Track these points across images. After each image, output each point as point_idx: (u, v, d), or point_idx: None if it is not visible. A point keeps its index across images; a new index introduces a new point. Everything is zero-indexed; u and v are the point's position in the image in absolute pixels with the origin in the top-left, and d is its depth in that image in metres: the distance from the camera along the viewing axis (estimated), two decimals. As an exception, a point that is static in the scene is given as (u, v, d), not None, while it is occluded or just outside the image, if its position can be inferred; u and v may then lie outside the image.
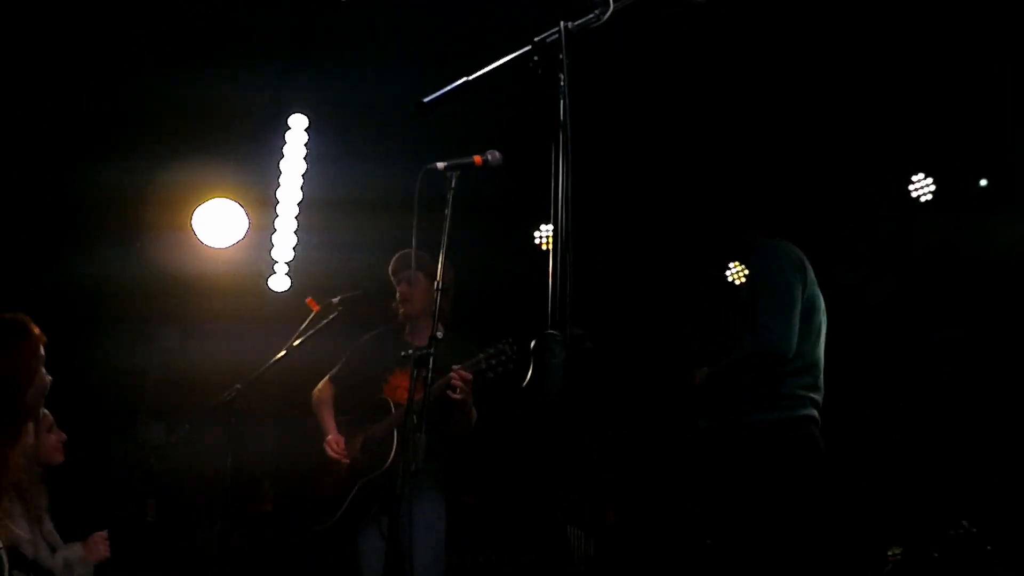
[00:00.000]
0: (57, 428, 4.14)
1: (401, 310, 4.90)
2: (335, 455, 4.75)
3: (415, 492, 4.34)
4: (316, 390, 5.08)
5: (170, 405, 7.09)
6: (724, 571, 4.04)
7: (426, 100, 2.50)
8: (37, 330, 3.00)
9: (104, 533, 4.04)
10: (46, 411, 4.02)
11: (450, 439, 4.73)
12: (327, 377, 5.10)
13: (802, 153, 6.80)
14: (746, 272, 4.12)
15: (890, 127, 6.76)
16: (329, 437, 4.83)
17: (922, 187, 7.46)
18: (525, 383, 2.15)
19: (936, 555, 5.82)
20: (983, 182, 7.39)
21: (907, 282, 7.40)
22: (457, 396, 4.31)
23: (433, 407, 3.66)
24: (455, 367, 4.32)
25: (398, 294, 4.90)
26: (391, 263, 4.96)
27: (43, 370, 2.97)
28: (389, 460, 4.45)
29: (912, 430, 7.01)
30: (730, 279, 8.09)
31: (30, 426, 3.08)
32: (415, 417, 3.43)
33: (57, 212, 6.52)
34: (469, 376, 4.32)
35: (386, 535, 4.11)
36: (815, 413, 4.00)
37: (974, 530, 5.76)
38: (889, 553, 6.01)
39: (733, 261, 4.19)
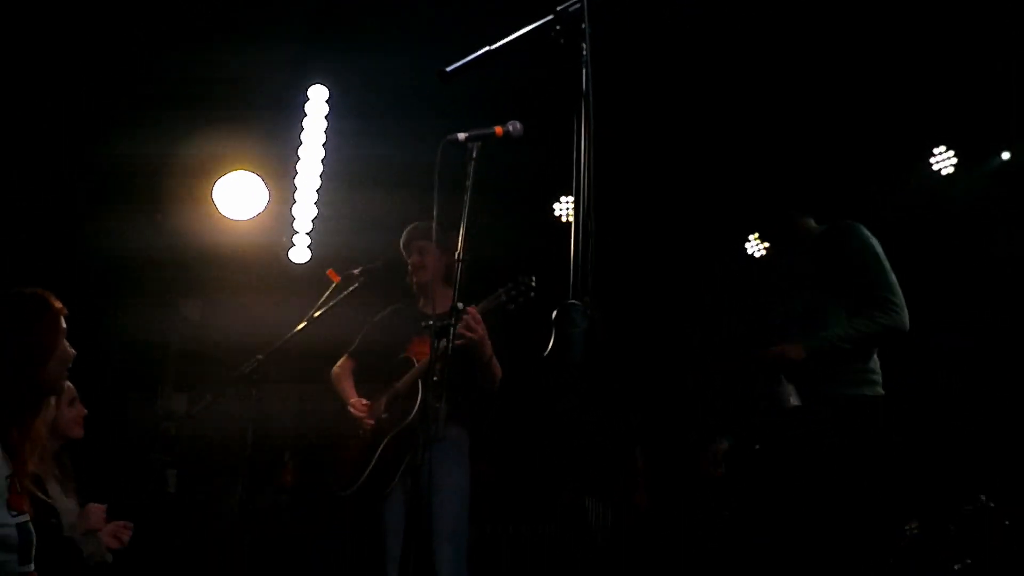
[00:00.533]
0: (79, 403, 4.17)
1: (414, 279, 4.91)
2: (359, 414, 4.74)
3: (438, 459, 4.37)
4: (335, 367, 5.10)
5: (192, 376, 7.15)
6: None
7: (448, 69, 2.50)
8: (58, 304, 3.01)
9: (102, 507, 4.02)
10: (70, 384, 4.04)
11: (474, 404, 4.74)
12: (345, 354, 5.12)
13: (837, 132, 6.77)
14: (818, 250, 4.02)
15: (910, 101, 6.72)
16: (352, 400, 4.83)
17: (944, 160, 7.43)
18: (546, 353, 2.15)
19: (953, 529, 5.81)
20: (1005, 155, 7.35)
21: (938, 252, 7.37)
22: (472, 335, 4.22)
23: (455, 369, 3.64)
24: (470, 308, 4.26)
25: (410, 265, 4.92)
26: (402, 236, 4.97)
27: (65, 343, 2.99)
28: (414, 411, 4.44)
29: (930, 404, 6.99)
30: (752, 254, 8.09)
31: (51, 399, 3.10)
32: (434, 386, 3.44)
33: (79, 185, 6.54)
34: (479, 315, 4.24)
35: (407, 503, 4.14)
36: None
37: (992, 504, 5.74)
38: (906, 527, 6.00)
39: (781, 241, 4.11)
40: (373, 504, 4.66)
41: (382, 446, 4.60)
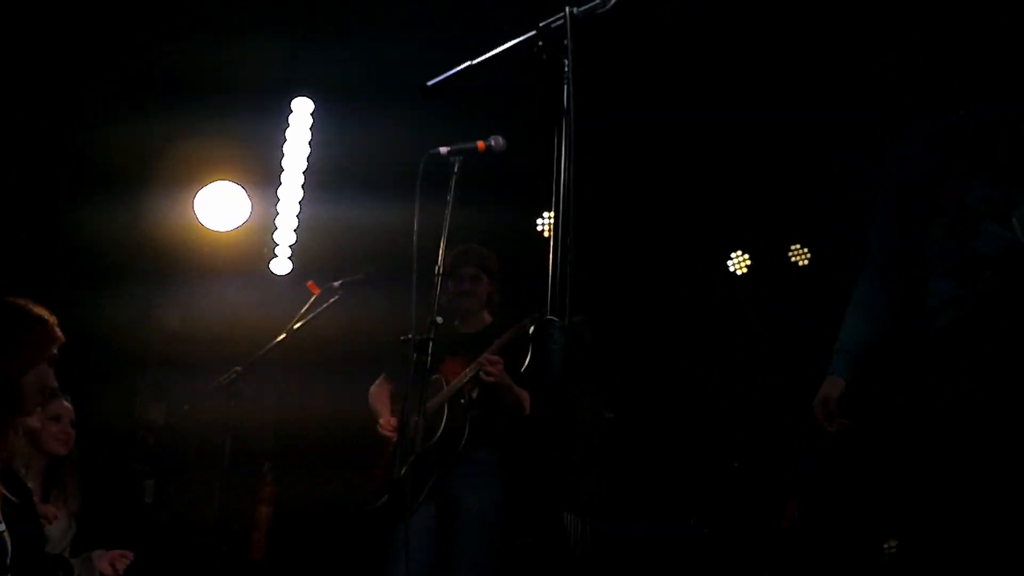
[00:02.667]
0: (68, 421, 4.09)
1: (463, 305, 4.87)
2: (388, 434, 4.75)
3: (462, 482, 4.42)
4: (373, 386, 5.10)
5: (170, 386, 7.10)
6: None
7: (430, 84, 2.50)
8: (52, 329, 2.96)
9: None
10: (67, 404, 4.01)
11: (503, 427, 4.71)
12: (382, 375, 5.12)
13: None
14: None
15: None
16: (382, 420, 4.83)
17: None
18: (524, 368, 2.15)
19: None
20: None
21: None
22: (489, 379, 4.28)
23: (483, 394, 3.66)
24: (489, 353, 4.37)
25: (460, 286, 4.85)
26: (453, 255, 4.77)
27: (45, 367, 2.92)
28: (439, 433, 4.47)
29: (912, 418, 7.01)
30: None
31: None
32: (461, 408, 3.45)
33: (58, 191, 6.51)
34: (494, 358, 4.28)
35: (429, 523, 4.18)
36: None
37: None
38: (885, 545, 6.01)
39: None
40: (393, 521, 4.61)
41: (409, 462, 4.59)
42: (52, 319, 2.98)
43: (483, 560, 4.50)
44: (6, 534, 2.80)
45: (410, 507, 4.46)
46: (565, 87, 2.33)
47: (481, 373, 4.30)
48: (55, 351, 2.94)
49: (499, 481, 4.68)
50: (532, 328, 2.14)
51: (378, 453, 4.86)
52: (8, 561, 2.79)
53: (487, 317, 4.75)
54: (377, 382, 5.12)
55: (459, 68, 2.51)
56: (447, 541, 4.42)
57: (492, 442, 4.65)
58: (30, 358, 2.88)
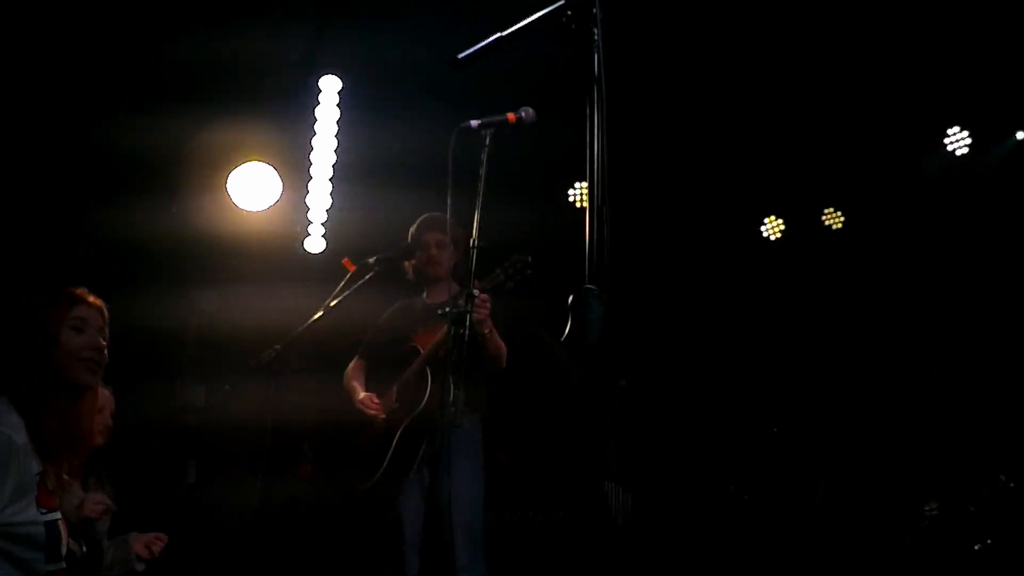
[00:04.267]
0: (108, 413, 4.13)
1: (428, 271, 4.94)
2: (372, 411, 4.77)
3: (452, 448, 4.38)
4: (348, 368, 5.14)
5: (210, 367, 7.17)
6: None
7: (460, 56, 2.50)
8: (60, 295, 2.99)
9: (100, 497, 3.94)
10: (109, 394, 4.05)
11: (485, 392, 4.75)
12: (356, 355, 5.17)
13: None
14: None
15: (923, 81, 6.68)
16: (361, 396, 4.86)
17: (959, 140, 7.39)
18: (563, 337, 2.16)
19: (973, 510, 5.80)
20: (1020, 135, 7.31)
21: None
22: (479, 316, 4.21)
23: (466, 356, 3.66)
24: (474, 281, 4.31)
25: (425, 256, 4.93)
26: (418, 224, 4.98)
27: (70, 333, 2.95)
28: (425, 398, 4.50)
29: (950, 384, 6.97)
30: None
31: (84, 396, 3.08)
32: (450, 371, 3.45)
33: (93, 177, 6.56)
34: (485, 296, 4.26)
35: (424, 491, 4.15)
36: None
37: (1012, 485, 5.73)
38: (926, 508, 5.99)
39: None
40: (392, 495, 4.68)
41: (397, 437, 4.62)
42: (76, 290, 3.02)
43: (477, 522, 4.59)
44: (61, 522, 2.83)
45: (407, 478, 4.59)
46: (595, 55, 2.33)
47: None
48: (77, 313, 2.97)
49: (480, 446, 4.75)
50: (570, 297, 2.14)
51: (360, 431, 4.86)
52: (63, 551, 2.82)
53: (454, 286, 4.63)
54: (351, 364, 5.15)
55: (489, 40, 2.51)
56: (439, 504, 4.43)
57: (476, 408, 4.70)
58: (53, 329, 2.90)
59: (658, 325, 7.75)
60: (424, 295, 5.02)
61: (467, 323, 3.48)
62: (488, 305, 4.30)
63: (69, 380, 2.90)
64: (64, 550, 2.81)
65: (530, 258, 4.37)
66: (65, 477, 2.94)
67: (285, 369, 4.93)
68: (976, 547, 5.63)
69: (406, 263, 5.00)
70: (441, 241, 4.88)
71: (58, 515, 2.80)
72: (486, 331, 4.40)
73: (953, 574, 5.75)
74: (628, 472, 6.53)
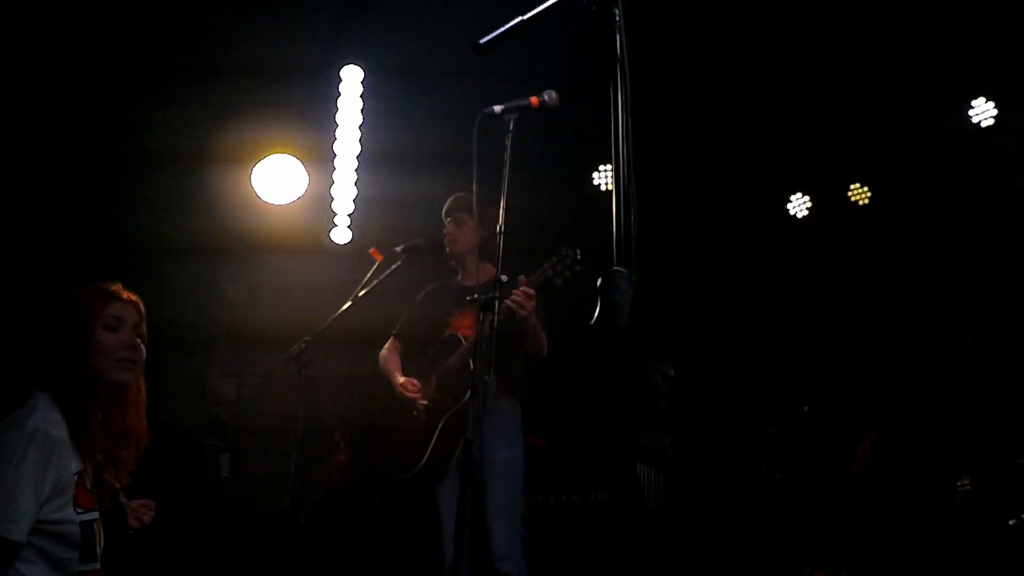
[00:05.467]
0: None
1: (448, 250, 4.98)
2: (411, 395, 4.76)
3: (490, 434, 4.38)
4: (382, 350, 5.14)
5: (240, 361, 7.20)
6: None
7: (482, 41, 2.50)
8: (94, 293, 2.99)
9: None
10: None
11: (523, 374, 4.74)
12: (391, 336, 5.16)
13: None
14: None
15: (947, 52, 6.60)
16: (401, 380, 4.84)
17: (983, 112, 7.29)
18: (593, 320, 2.15)
19: (1006, 484, 5.75)
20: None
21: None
22: (524, 312, 4.26)
23: (502, 342, 3.65)
24: (521, 277, 4.31)
25: (446, 234, 4.96)
26: (445, 205, 5.02)
27: (104, 334, 2.95)
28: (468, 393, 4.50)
29: (981, 359, 6.91)
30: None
31: (123, 398, 3.08)
32: (483, 358, 3.45)
33: (119, 172, 6.58)
34: (532, 291, 4.28)
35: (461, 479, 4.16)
36: None
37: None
38: (958, 483, 5.95)
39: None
40: (432, 486, 4.69)
41: (439, 429, 4.62)
42: (111, 287, 3.02)
43: (515, 509, 4.61)
44: (98, 523, 2.84)
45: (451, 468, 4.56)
46: (617, 36, 2.31)
47: (514, 304, 4.22)
48: (111, 311, 2.97)
49: (519, 431, 4.76)
50: (599, 280, 2.13)
51: (403, 419, 4.85)
52: (99, 551, 2.83)
53: (490, 267, 4.26)
54: (386, 345, 5.14)
55: (511, 24, 2.50)
56: (478, 493, 4.42)
57: (514, 391, 4.71)
58: (88, 328, 2.91)
59: (686, 306, 7.72)
60: (459, 276, 5.03)
61: (495, 309, 3.48)
62: (534, 302, 4.30)
63: (105, 379, 2.91)
64: (99, 550, 2.82)
65: (578, 253, 4.34)
66: (116, 484, 2.96)
67: (315, 360, 4.95)
68: (1011, 522, 5.58)
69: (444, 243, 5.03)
70: (460, 219, 4.90)
71: (95, 515, 2.81)
72: (532, 326, 4.42)
73: (986, 548, 5.71)
74: (666, 454, 6.53)
